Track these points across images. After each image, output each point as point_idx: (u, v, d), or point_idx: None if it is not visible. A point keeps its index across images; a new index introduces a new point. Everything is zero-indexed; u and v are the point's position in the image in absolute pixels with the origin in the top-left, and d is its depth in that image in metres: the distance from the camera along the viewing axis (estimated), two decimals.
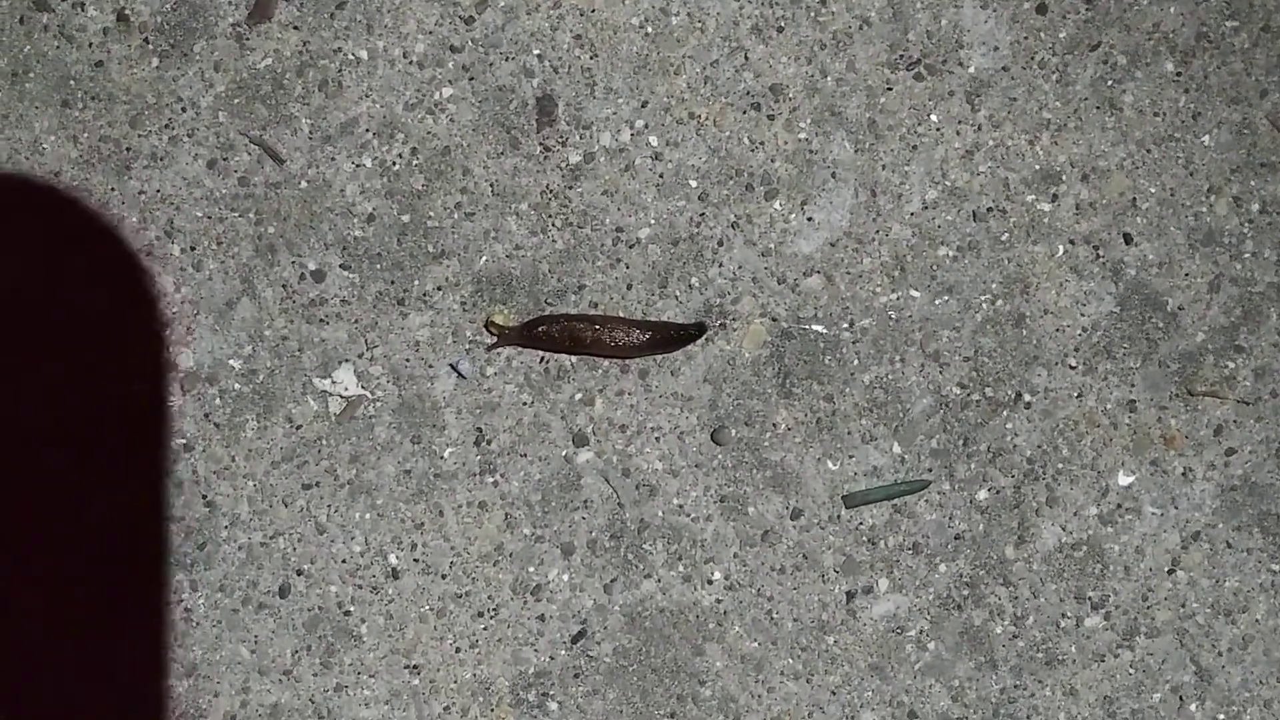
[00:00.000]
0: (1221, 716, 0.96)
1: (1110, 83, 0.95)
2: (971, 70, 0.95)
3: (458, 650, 0.96)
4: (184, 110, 0.96)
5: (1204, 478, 0.95)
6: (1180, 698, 0.96)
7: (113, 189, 0.96)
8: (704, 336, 0.95)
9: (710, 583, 0.96)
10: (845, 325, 0.96)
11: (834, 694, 0.95)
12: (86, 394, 0.95)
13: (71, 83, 0.96)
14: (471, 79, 0.96)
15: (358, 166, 0.96)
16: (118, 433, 0.96)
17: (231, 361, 0.97)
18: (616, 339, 0.93)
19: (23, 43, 0.96)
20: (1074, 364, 0.95)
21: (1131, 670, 0.96)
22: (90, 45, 0.96)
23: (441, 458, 0.97)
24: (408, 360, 0.97)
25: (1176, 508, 0.96)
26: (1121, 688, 0.96)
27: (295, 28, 0.96)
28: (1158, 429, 0.95)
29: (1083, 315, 0.95)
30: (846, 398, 0.96)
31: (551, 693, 0.96)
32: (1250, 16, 0.95)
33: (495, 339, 0.95)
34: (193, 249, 0.96)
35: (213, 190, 0.96)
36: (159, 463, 0.97)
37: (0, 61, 0.96)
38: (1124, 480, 0.95)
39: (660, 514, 0.97)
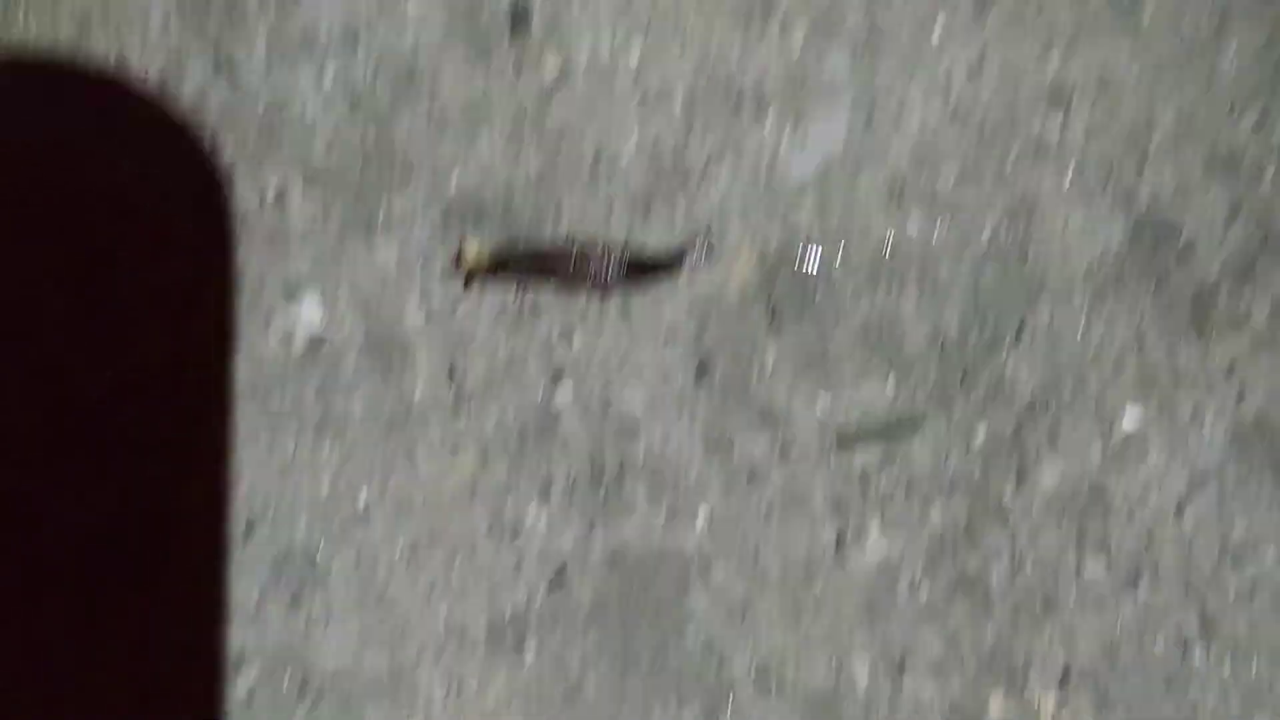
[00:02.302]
0: (1227, 664, 0.91)
1: None
2: None
3: (431, 593, 0.92)
4: (133, 22, 0.89)
5: (1214, 418, 0.90)
6: (1184, 645, 0.91)
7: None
8: (686, 266, 0.89)
9: (694, 524, 0.91)
10: (839, 254, 0.90)
11: (821, 640, 0.91)
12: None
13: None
14: None
15: (319, 82, 0.89)
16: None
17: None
18: (592, 269, 0.87)
19: None
20: (1081, 296, 0.89)
21: (1134, 617, 0.91)
22: None
23: (412, 393, 0.91)
24: (375, 291, 0.91)
25: (1184, 449, 0.90)
26: (1123, 634, 0.91)
27: None
28: (1166, 366, 0.89)
29: (1092, 244, 0.89)
30: (839, 331, 0.90)
31: (529, 636, 0.91)
32: None
33: (465, 277, 0.89)
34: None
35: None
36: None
37: None
38: (1129, 420, 0.90)
39: (642, 454, 0.91)
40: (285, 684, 0.90)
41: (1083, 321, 0.90)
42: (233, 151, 0.90)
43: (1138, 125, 0.89)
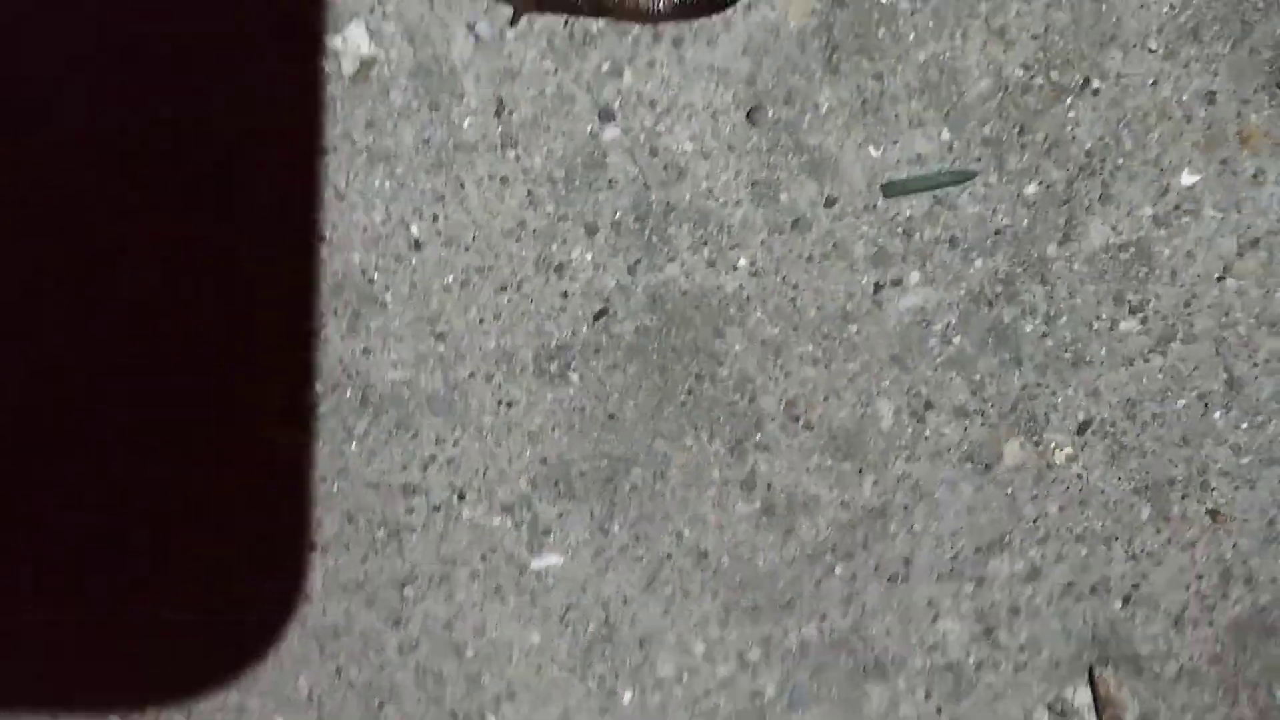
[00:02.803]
0: (1245, 426, 0.94)
1: None
2: None
3: (481, 321, 0.96)
4: None
5: (1275, 181, 0.87)
6: (1206, 405, 0.93)
7: None
8: (739, 2, 0.85)
9: (735, 268, 0.93)
10: None
11: (851, 380, 0.94)
12: None
13: None
14: None
15: None
16: None
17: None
18: (643, 1, 0.84)
19: None
20: (1154, 46, 0.85)
21: (1160, 375, 0.93)
22: None
23: (461, 127, 0.91)
24: (423, 17, 0.89)
25: (1240, 212, 0.88)
26: (1147, 391, 0.93)
27: None
28: (1235, 125, 0.86)
29: None
30: (898, 76, 0.87)
31: (573, 365, 0.96)
32: None
33: (513, 9, 0.86)
34: None
35: None
36: None
37: None
38: (1188, 179, 0.88)
39: (688, 197, 0.92)
40: (348, 395, 0.97)
41: (1154, 73, 0.86)
42: None
43: None
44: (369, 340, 0.97)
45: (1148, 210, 0.89)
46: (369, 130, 0.92)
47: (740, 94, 0.89)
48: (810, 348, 0.94)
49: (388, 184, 0.94)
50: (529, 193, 0.93)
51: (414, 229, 0.95)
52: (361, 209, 0.95)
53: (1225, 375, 0.93)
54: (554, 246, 0.94)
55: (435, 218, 0.95)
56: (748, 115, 0.90)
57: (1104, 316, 0.92)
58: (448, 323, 0.96)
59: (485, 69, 0.90)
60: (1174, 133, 0.87)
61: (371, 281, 0.96)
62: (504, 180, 0.93)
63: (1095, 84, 0.86)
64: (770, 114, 0.89)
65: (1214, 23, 0.84)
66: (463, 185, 0.94)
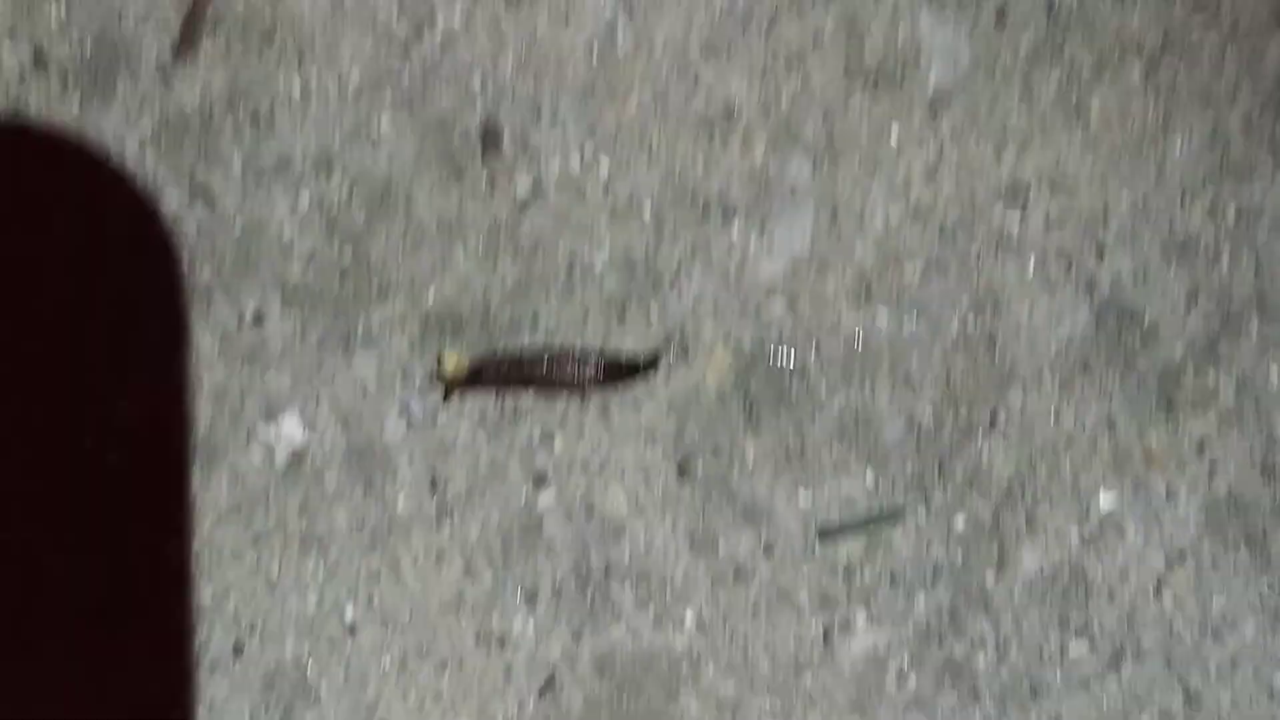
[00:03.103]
0: None
1: (1076, 91, 0.91)
2: (931, 84, 0.90)
3: (422, 705, 0.91)
4: (108, 152, 0.90)
5: (1187, 495, 0.91)
6: None
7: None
8: (659, 368, 0.90)
9: (682, 625, 0.91)
10: (812, 350, 0.91)
11: None
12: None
13: None
14: (411, 109, 0.90)
15: (294, 204, 0.90)
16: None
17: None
18: (567, 373, 0.88)
19: None
20: (1050, 382, 0.91)
21: (1118, 696, 0.91)
22: (7, 88, 0.90)
23: (395, 505, 0.91)
24: (355, 404, 0.91)
25: (1160, 527, 0.91)
26: (1109, 715, 0.91)
27: (222, 62, 0.90)
28: (1138, 447, 0.91)
29: (1058, 332, 0.90)
30: (816, 425, 0.91)
31: None
32: (1218, 18, 0.90)
33: (445, 387, 0.89)
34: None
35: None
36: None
37: None
38: (1105, 501, 0.91)
39: (627, 555, 0.91)
40: None
41: (1054, 407, 0.91)
42: (210, 273, 0.90)
43: (1094, 216, 0.91)
44: None
45: (1074, 534, 0.91)
46: (302, 516, 0.92)
47: (669, 451, 0.92)
48: (768, 703, 0.91)
49: (321, 569, 0.92)
50: (466, 564, 0.92)
51: (349, 612, 0.92)
52: (295, 596, 0.92)
53: (1182, 689, 0.91)
54: (494, 618, 0.91)
55: (371, 599, 0.92)
56: (678, 471, 0.92)
57: (1052, 642, 0.91)
58: (387, 710, 0.91)
59: (419, 447, 0.92)
60: (1084, 459, 0.91)
61: (305, 672, 0.91)
62: (440, 554, 0.92)
63: (1002, 419, 0.91)
64: (700, 468, 0.92)
65: (1100, 357, 0.91)
66: (398, 563, 0.92)
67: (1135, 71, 0.91)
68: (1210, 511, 0.91)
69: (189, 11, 0.92)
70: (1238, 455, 0.90)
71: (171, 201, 0.90)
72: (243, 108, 0.91)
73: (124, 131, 0.90)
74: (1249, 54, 0.91)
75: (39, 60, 0.90)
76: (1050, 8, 0.91)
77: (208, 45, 0.91)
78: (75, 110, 0.90)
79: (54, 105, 0.90)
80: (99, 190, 0.91)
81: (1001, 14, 0.91)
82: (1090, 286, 0.91)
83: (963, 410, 0.91)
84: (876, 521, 0.91)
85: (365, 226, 0.91)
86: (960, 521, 0.91)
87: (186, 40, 0.92)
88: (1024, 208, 0.91)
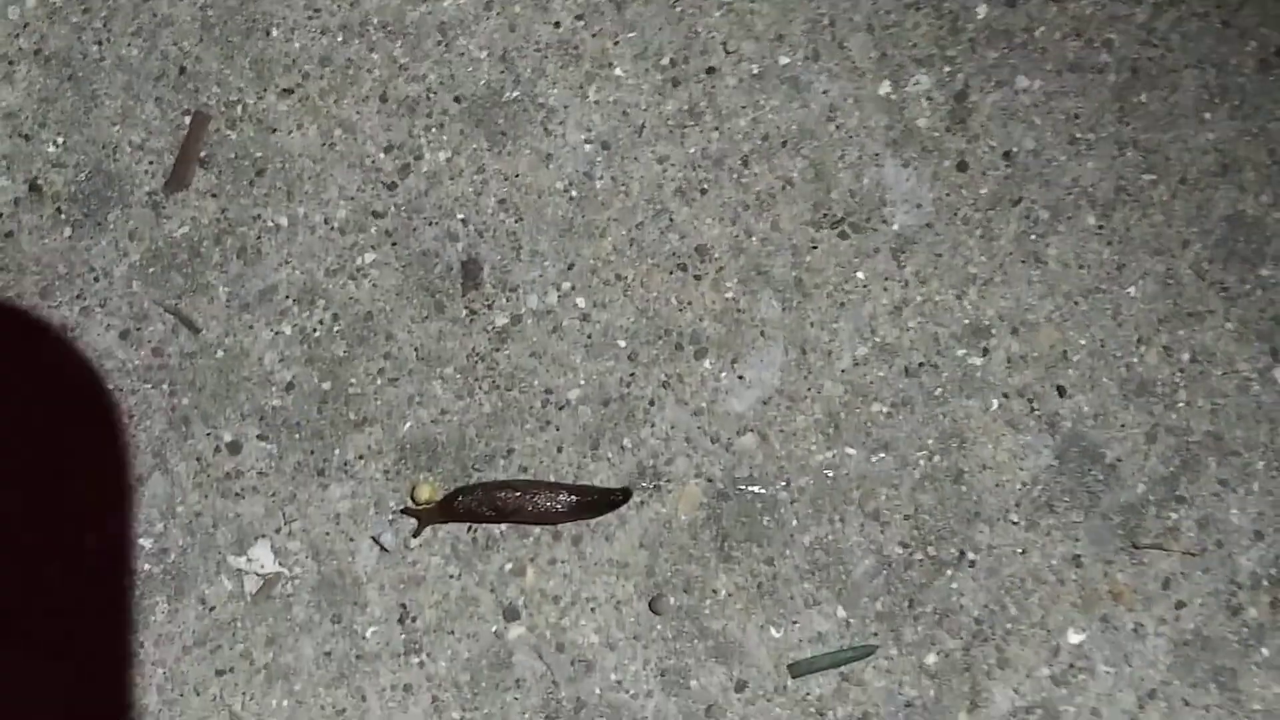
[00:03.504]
0: None
1: (1034, 237, 0.94)
2: (895, 227, 0.93)
3: None
4: (96, 280, 0.92)
5: (1155, 633, 0.90)
6: None
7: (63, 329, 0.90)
8: (631, 501, 0.90)
9: None
10: (782, 485, 0.91)
11: None
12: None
13: None
14: (394, 244, 0.92)
15: (276, 334, 0.91)
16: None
17: (141, 541, 0.89)
18: (540, 505, 0.88)
19: None
20: (1016, 519, 0.91)
21: None
22: (1, 216, 0.91)
23: (363, 638, 0.89)
24: (328, 534, 0.90)
25: (1130, 665, 0.90)
26: None
27: (213, 195, 0.92)
28: (1105, 584, 0.91)
29: (1022, 469, 0.91)
30: (787, 560, 0.90)
31: None
32: (1167, 169, 0.95)
33: (417, 521, 0.89)
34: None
35: (124, 362, 0.91)
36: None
37: None
38: (1074, 638, 0.90)
39: (598, 691, 0.90)
40: None
41: (1021, 543, 0.91)
42: (190, 401, 0.90)
43: (1054, 356, 0.93)
44: None
45: (1045, 671, 0.90)
46: (269, 648, 0.90)
47: (641, 585, 0.91)
48: None
49: (286, 702, 0.89)
50: (434, 699, 0.90)
51: None
52: None
53: None
54: None
55: None
56: (650, 605, 0.91)
57: None
58: None
59: (389, 578, 0.91)
60: (1052, 596, 0.91)
61: None
62: (408, 688, 0.90)
63: (970, 556, 0.91)
64: (671, 602, 0.91)
65: (1064, 495, 0.92)
66: (364, 697, 0.90)
67: (1090, 218, 0.95)
68: (1178, 649, 0.91)
69: (183, 146, 0.94)
70: (1203, 593, 0.91)
71: (156, 330, 0.91)
72: (230, 240, 0.93)
73: (113, 260, 0.92)
74: (1197, 204, 0.95)
75: (34, 189, 0.92)
76: (1008, 157, 0.95)
77: (200, 179, 0.93)
78: (66, 238, 0.92)
79: (46, 233, 0.92)
80: (53, 362, 0.92)
81: (962, 163, 0.95)
82: (1052, 425, 0.92)
83: (931, 546, 0.91)
84: (847, 657, 0.89)
85: (345, 357, 0.92)
86: (931, 658, 0.90)
87: (179, 174, 0.94)
88: (986, 348, 0.93)
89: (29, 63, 0.94)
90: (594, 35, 0.95)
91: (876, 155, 0.94)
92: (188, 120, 0.93)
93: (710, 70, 0.95)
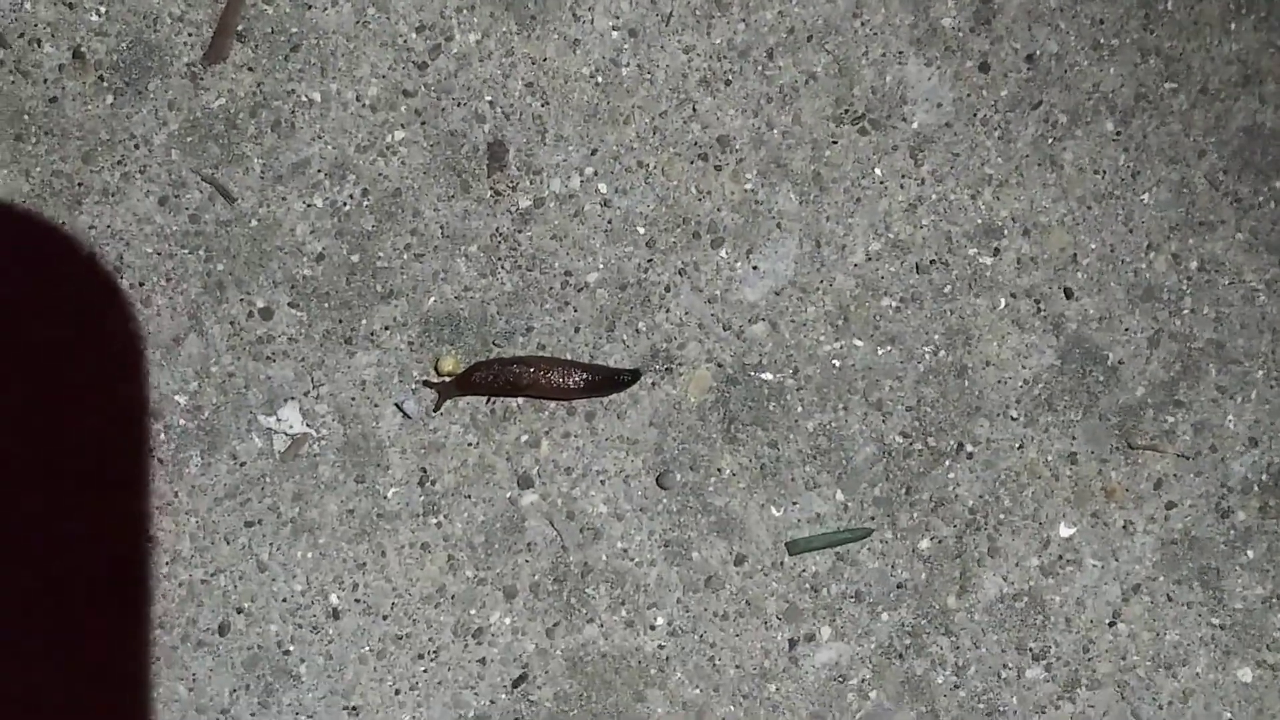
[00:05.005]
0: None
1: (1051, 140, 0.92)
2: (915, 126, 0.91)
3: (397, 692, 0.90)
4: (137, 148, 0.91)
5: (1144, 531, 0.90)
6: None
7: (63, 223, 0.91)
8: (641, 382, 0.90)
9: (653, 628, 0.90)
10: (790, 372, 0.91)
11: None
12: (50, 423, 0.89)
13: (25, 118, 0.91)
14: (424, 123, 0.92)
15: (308, 206, 0.91)
16: (82, 462, 0.90)
17: (177, 397, 0.91)
18: (553, 381, 0.88)
19: None
20: (1015, 415, 0.91)
21: None
22: (45, 81, 0.91)
23: (385, 498, 0.91)
24: (353, 399, 0.91)
25: (1117, 560, 0.91)
26: None
27: (249, 69, 0.91)
28: (1099, 481, 0.90)
29: (1024, 368, 0.91)
30: (790, 444, 0.91)
31: None
32: (1188, 78, 0.92)
33: (437, 393, 0.89)
34: (141, 284, 0.91)
35: (163, 227, 0.91)
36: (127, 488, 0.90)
37: None
38: (1065, 532, 0.90)
39: (604, 558, 0.91)
40: None
41: (1019, 439, 0.91)
42: (224, 268, 0.91)
43: (1064, 259, 0.91)
44: (280, 716, 0.90)
45: (1034, 561, 0.91)
46: (295, 503, 0.92)
47: (649, 460, 0.92)
48: (732, 708, 0.90)
49: (310, 554, 0.92)
50: (449, 558, 0.91)
51: (334, 598, 0.91)
52: (283, 579, 0.91)
53: (1134, 719, 0.90)
54: (473, 611, 0.91)
55: (356, 586, 0.92)
56: (657, 480, 0.92)
57: (1010, 665, 0.90)
58: (362, 696, 0.90)
59: (411, 443, 0.92)
60: (1045, 490, 0.91)
61: (287, 653, 0.90)
62: (425, 547, 0.92)
63: (969, 449, 0.91)
64: (678, 478, 0.91)
65: (1064, 394, 0.91)
66: (384, 553, 0.92)
67: (1108, 124, 0.92)
68: (1165, 548, 0.91)
69: (220, 19, 0.93)
70: (1193, 495, 0.90)
71: (193, 198, 0.91)
72: (265, 113, 0.92)
73: (152, 129, 0.92)
74: (1216, 114, 0.92)
75: (77, 56, 0.92)
76: (1030, 60, 0.92)
77: (236, 52, 0.92)
78: (108, 105, 0.92)
79: (88, 100, 0.92)
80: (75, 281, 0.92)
81: (984, 64, 0.92)
82: (1057, 327, 0.91)
83: (931, 437, 0.91)
84: (843, 538, 0.90)
85: (374, 231, 0.92)
86: (925, 543, 0.91)
87: (217, 46, 0.93)
88: (998, 248, 0.91)
89: None
90: None
91: (900, 53, 0.92)
92: None
93: None
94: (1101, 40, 0.92)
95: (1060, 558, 0.91)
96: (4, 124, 0.91)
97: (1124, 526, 0.91)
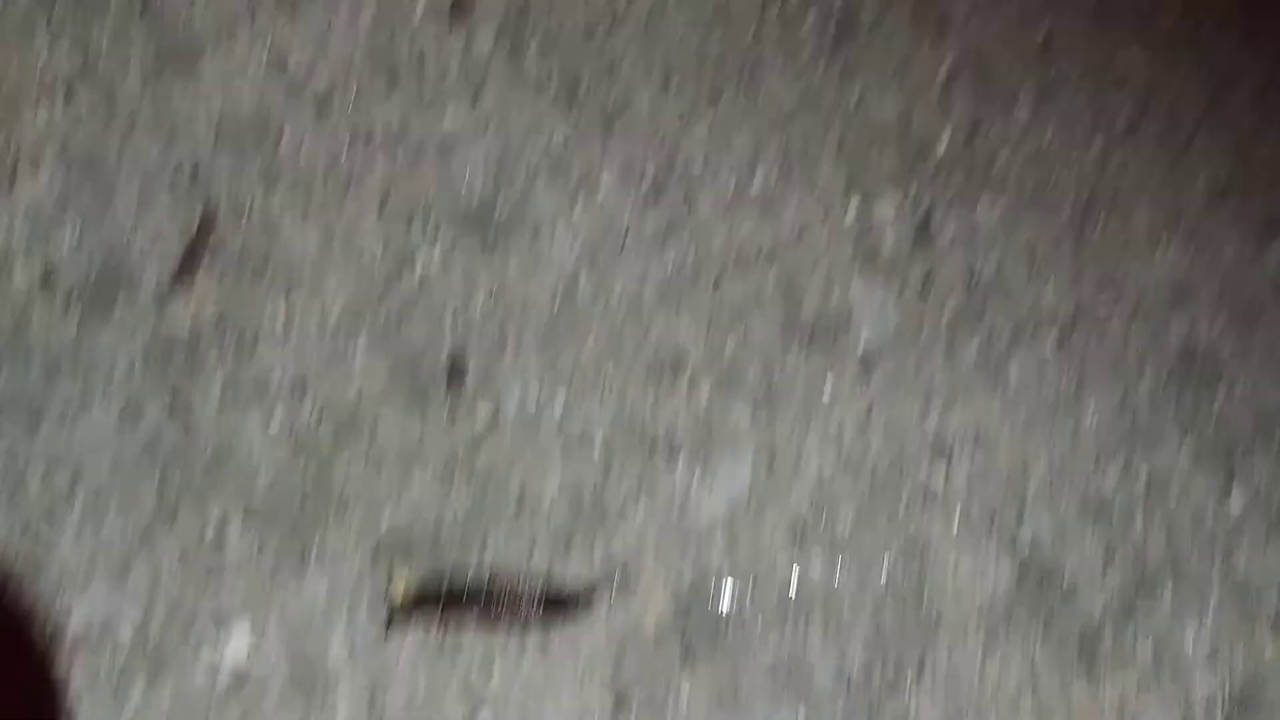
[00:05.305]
0: None
1: (995, 356, 0.94)
2: (862, 344, 0.94)
3: None
4: (99, 370, 0.92)
5: None
6: None
7: (19, 444, 0.90)
8: (602, 601, 0.88)
9: None
10: (748, 592, 0.89)
11: None
12: None
13: None
14: (386, 341, 0.93)
15: (267, 425, 0.91)
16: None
17: (123, 622, 0.88)
18: (508, 605, 0.86)
19: None
20: (975, 635, 0.89)
21: None
22: (13, 307, 0.92)
23: None
24: (303, 625, 0.88)
25: None
26: None
27: (216, 289, 0.93)
28: (1061, 704, 0.88)
29: (982, 585, 0.90)
30: (751, 668, 0.88)
31: None
32: (1123, 294, 0.95)
33: (390, 611, 0.87)
34: (95, 507, 0.90)
35: (120, 450, 0.91)
36: None
37: None
38: None
39: None
40: None
41: (979, 660, 0.89)
42: (179, 486, 0.90)
43: (1014, 475, 0.92)
44: None
45: None
46: None
47: (606, 686, 0.88)
48: None
49: None
50: None
51: None
52: None
53: None
54: None
55: None
56: (613, 707, 0.88)
57: None
58: None
59: (360, 670, 0.88)
60: (1009, 714, 0.88)
61: None
62: None
63: (929, 671, 0.88)
64: (635, 705, 0.88)
65: (1022, 613, 0.89)
66: None
67: (1049, 340, 0.95)
68: None
69: (190, 242, 0.96)
70: (1157, 717, 0.88)
71: (151, 418, 0.91)
72: (229, 333, 0.94)
73: (116, 349, 0.93)
74: (1151, 331, 0.95)
75: (46, 280, 0.94)
76: (970, 278, 0.96)
77: (204, 274, 0.95)
78: (74, 329, 0.93)
79: (55, 323, 0.93)
80: None
81: (927, 282, 0.95)
82: (1012, 543, 0.91)
83: (891, 660, 0.89)
84: None
85: (331, 449, 0.91)
86: None
87: (185, 269, 0.95)
88: (949, 463, 0.92)
89: (52, 161, 0.96)
90: (583, 152, 0.97)
91: (845, 273, 0.95)
92: (197, 219, 0.95)
93: (690, 190, 0.96)
94: (1037, 260, 0.95)
95: None
96: None
97: None
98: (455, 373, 0.93)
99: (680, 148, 0.97)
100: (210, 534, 0.90)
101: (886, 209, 0.96)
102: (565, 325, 0.94)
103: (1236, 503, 0.92)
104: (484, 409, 0.92)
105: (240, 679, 0.88)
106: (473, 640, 0.89)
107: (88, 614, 0.88)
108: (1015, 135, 0.98)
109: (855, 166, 0.97)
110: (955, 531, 0.91)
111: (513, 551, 0.90)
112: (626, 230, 0.96)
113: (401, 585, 0.88)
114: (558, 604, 0.88)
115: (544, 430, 0.92)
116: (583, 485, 0.91)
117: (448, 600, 0.87)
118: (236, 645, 0.88)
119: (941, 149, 0.97)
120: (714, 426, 0.92)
